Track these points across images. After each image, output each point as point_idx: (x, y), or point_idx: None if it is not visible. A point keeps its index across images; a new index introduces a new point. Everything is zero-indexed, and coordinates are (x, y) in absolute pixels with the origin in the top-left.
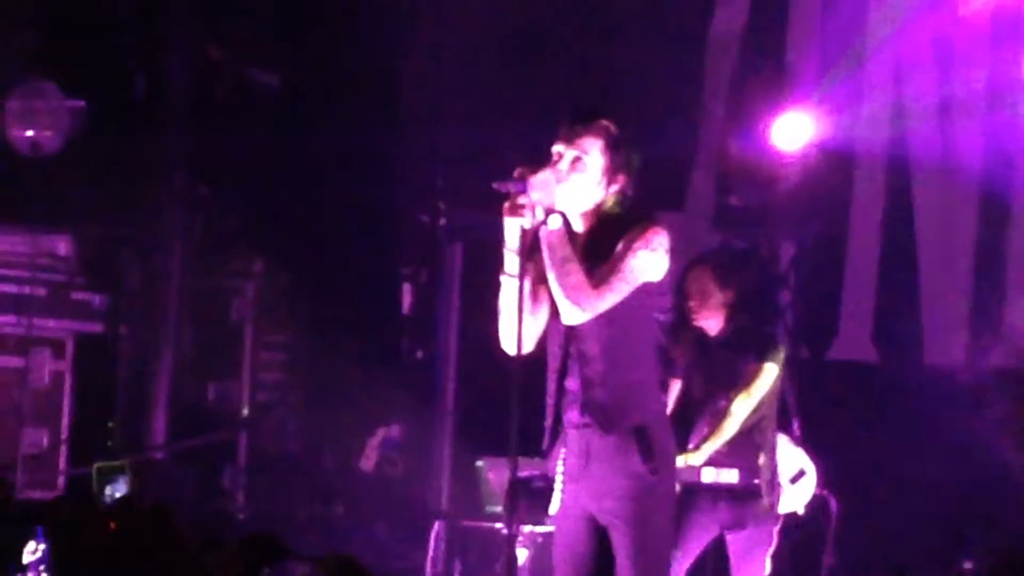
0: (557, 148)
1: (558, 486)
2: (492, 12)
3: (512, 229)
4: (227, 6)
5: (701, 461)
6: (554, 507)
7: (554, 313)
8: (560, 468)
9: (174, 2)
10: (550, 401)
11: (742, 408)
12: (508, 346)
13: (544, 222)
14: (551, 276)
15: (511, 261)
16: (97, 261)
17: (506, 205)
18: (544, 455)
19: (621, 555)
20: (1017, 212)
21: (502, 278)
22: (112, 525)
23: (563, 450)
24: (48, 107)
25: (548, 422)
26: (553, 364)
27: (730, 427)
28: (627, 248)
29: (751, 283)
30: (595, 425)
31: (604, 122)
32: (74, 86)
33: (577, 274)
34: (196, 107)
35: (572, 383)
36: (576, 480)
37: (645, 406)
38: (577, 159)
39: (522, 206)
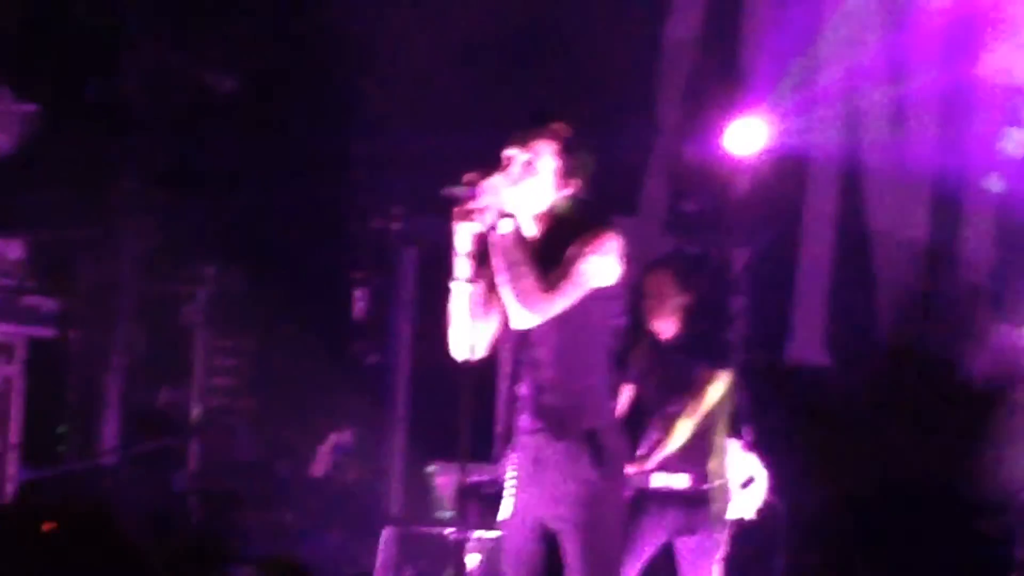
0: (509, 152)
1: (508, 492)
2: (448, 19)
3: (463, 234)
4: (183, 9)
5: (651, 467)
6: (504, 513)
7: (507, 319)
8: (511, 474)
9: (129, 4)
10: (502, 407)
11: (693, 415)
12: (458, 352)
13: (495, 226)
14: (502, 280)
15: (462, 266)
16: (49, 265)
17: (456, 210)
18: (495, 461)
19: (572, 560)
20: (969, 216)
21: (452, 284)
22: (47, 527)
23: (514, 456)
24: (0, 110)
25: (499, 428)
26: (505, 370)
27: (681, 434)
28: (579, 253)
29: (705, 288)
30: (547, 430)
31: (556, 126)
32: (27, 89)
33: (527, 278)
34: (151, 111)
35: (524, 388)
36: (527, 486)
37: (597, 411)
38: (528, 163)
39: (473, 211)
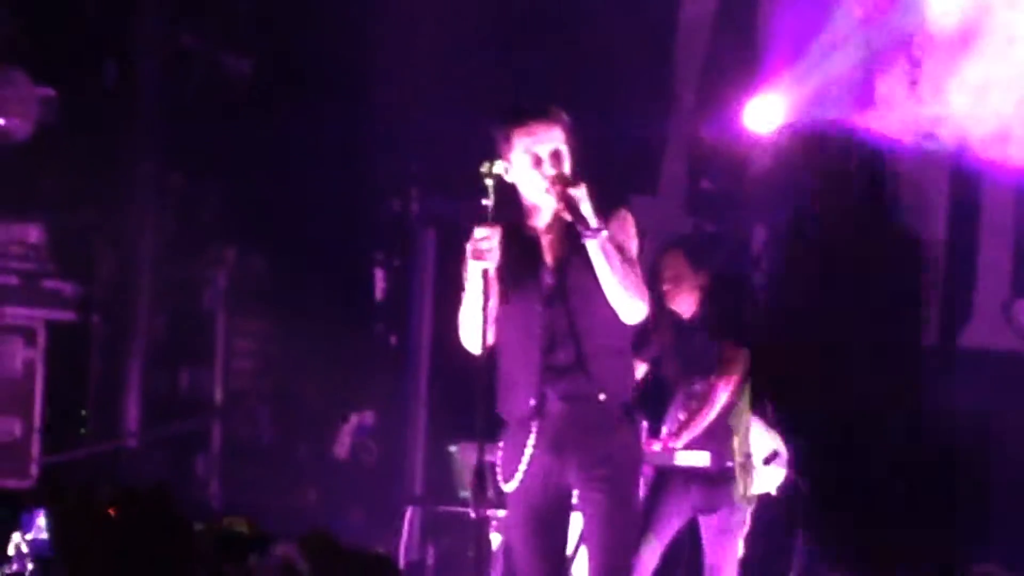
0: (533, 150)
1: (526, 461)
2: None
3: (475, 271)
4: None
5: (680, 445)
6: (513, 484)
7: (517, 297)
8: (531, 443)
9: None
10: (533, 379)
11: (724, 392)
12: (471, 345)
13: (599, 229)
14: (614, 280)
15: (472, 290)
16: (69, 249)
17: (471, 249)
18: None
19: (600, 524)
20: (988, 191)
21: (464, 297)
22: (112, 511)
23: (533, 424)
24: (18, 95)
25: (533, 401)
26: (526, 345)
27: (712, 412)
28: (625, 236)
29: (724, 266)
30: (585, 398)
31: (556, 110)
32: (44, 74)
33: (637, 274)
34: (168, 95)
35: (562, 358)
36: (558, 452)
37: (628, 380)
38: (556, 151)
39: (486, 251)
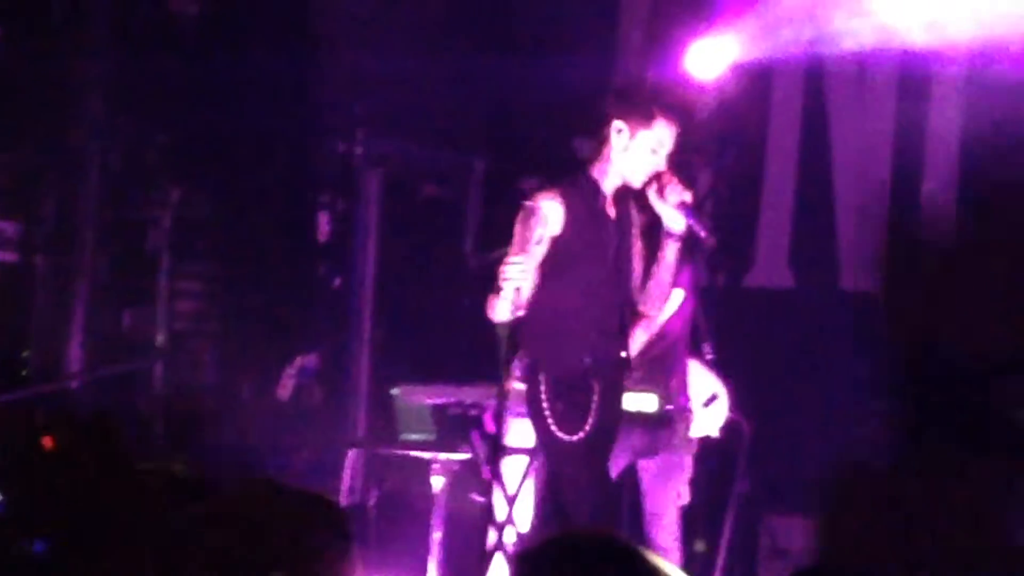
0: (665, 141)
1: (593, 413)
2: None
3: (504, 301)
4: None
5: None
6: (577, 427)
7: (586, 263)
8: (596, 396)
9: None
10: (591, 339)
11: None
12: (498, 318)
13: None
14: (667, 281)
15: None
16: (12, 189)
17: (499, 281)
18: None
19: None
20: (932, 135)
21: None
22: (49, 441)
23: (595, 382)
24: None
25: (589, 359)
26: (587, 307)
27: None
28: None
29: None
30: (624, 362)
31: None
32: None
33: None
34: (114, 34)
35: (612, 323)
36: (614, 407)
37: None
38: (620, 131)
39: (503, 289)
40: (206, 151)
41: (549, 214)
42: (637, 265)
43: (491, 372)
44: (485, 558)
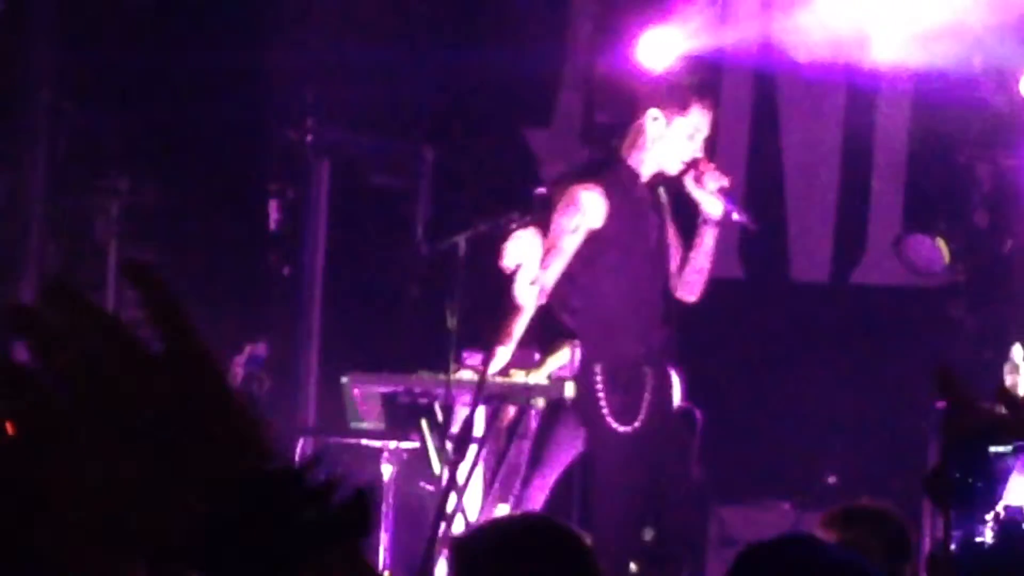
0: (701, 127)
1: (646, 403)
2: None
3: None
4: None
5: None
6: (629, 416)
7: (630, 251)
8: (648, 386)
9: None
10: (642, 327)
11: None
12: (524, 300)
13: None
14: (706, 267)
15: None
16: None
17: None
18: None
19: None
20: (881, 124)
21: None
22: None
23: (648, 370)
24: None
25: (642, 348)
26: (635, 296)
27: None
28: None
29: None
30: (670, 350)
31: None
32: None
33: None
34: (62, 19)
35: (659, 311)
36: (661, 395)
37: None
38: (656, 118)
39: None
40: (155, 139)
41: (590, 207)
42: (675, 252)
43: (440, 362)
44: (434, 546)
